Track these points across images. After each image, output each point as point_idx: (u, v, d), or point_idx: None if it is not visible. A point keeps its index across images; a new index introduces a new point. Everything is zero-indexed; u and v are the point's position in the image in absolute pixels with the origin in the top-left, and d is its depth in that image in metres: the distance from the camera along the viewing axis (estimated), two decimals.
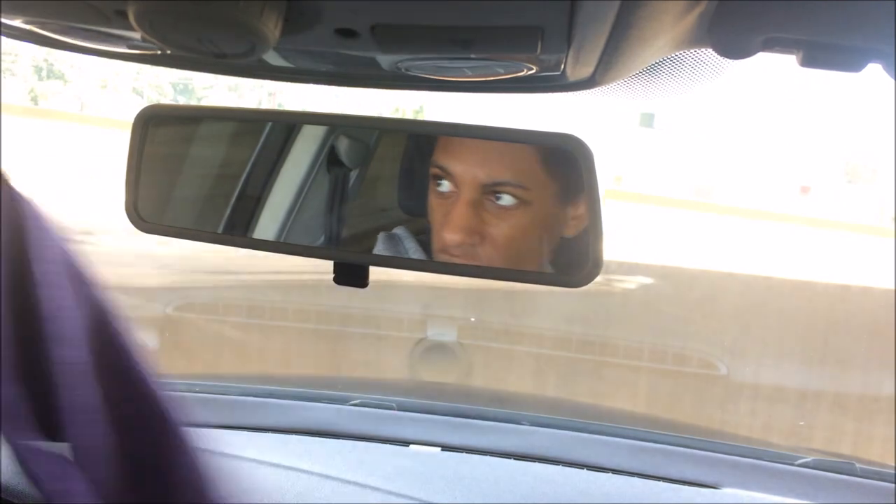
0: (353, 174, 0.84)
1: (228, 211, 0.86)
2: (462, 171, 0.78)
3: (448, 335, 2.99)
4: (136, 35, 0.57)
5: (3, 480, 1.21)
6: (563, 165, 0.77)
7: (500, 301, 3.18)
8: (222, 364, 3.09)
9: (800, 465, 1.60)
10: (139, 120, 0.85)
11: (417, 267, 0.81)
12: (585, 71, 0.66)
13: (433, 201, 0.79)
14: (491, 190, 0.77)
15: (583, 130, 0.79)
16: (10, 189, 0.50)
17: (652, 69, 0.76)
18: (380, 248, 0.81)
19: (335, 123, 0.87)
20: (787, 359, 3.18)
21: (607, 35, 0.56)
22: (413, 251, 0.80)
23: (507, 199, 0.76)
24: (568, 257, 0.77)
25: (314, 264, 0.88)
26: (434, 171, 0.79)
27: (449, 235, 0.78)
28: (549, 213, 0.78)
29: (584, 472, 1.49)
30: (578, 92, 0.73)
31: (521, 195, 0.77)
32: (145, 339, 2.96)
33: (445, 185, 0.78)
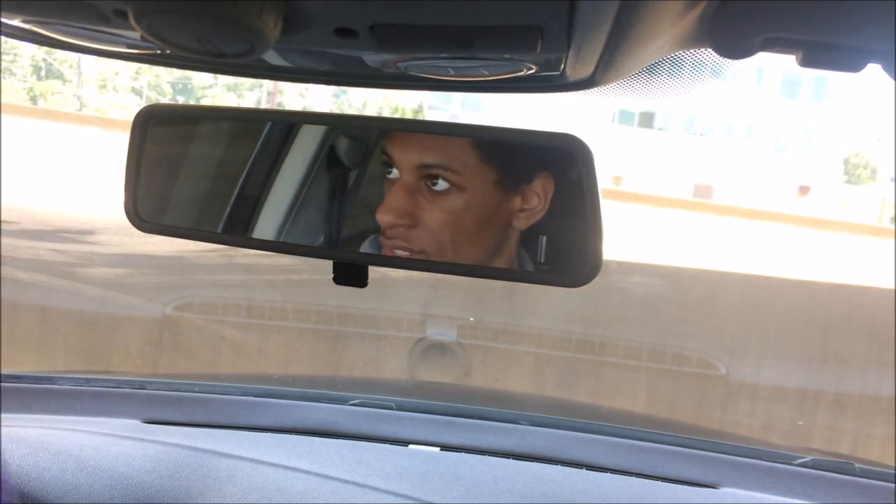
0: (353, 174, 0.84)
1: (228, 211, 0.86)
2: (400, 155, 0.80)
3: (447, 335, 3.00)
4: (136, 35, 0.57)
5: (3, 480, 1.21)
6: (502, 155, 0.79)
7: (499, 300, 3.19)
8: (221, 364, 3.09)
9: (799, 465, 1.60)
10: (138, 120, 0.85)
11: (417, 267, 0.81)
12: (585, 71, 0.66)
13: (385, 189, 0.81)
14: (426, 174, 0.79)
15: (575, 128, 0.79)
16: None
17: (652, 69, 0.76)
18: (366, 249, 0.82)
19: (334, 123, 0.87)
20: (787, 358, 3.19)
21: (607, 35, 0.56)
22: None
23: (441, 184, 0.78)
24: (567, 257, 0.77)
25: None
26: (382, 158, 0.81)
27: (380, 217, 0.80)
28: (487, 202, 0.79)
29: (583, 471, 1.49)
30: (578, 92, 0.73)
31: (454, 179, 0.78)
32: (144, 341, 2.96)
33: (394, 173, 0.81)
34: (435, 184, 0.79)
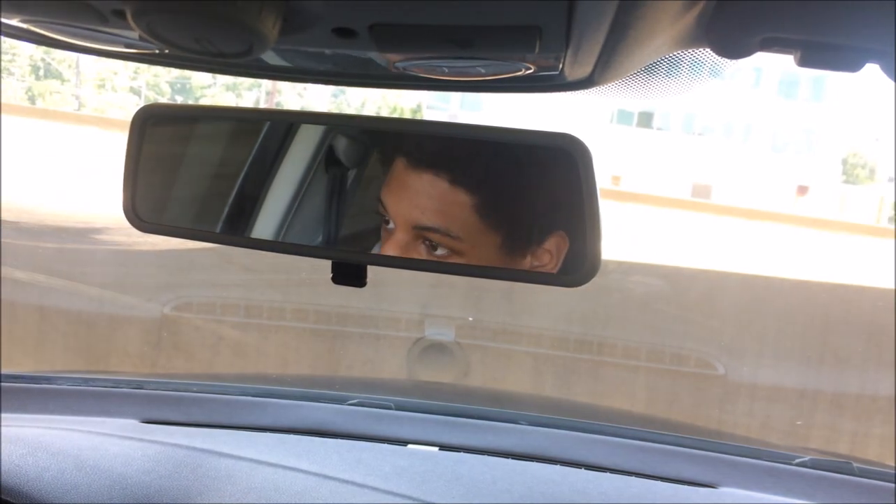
0: (351, 174, 0.84)
1: (227, 210, 0.86)
2: (395, 210, 0.77)
3: (446, 334, 3.00)
4: (135, 34, 0.57)
5: (3, 480, 1.21)
6: (508, 217, 0.75)
7: (498, 301, 3.18)
8: (220, 364, 3.09)
9: (797, 465, 1.60)
10: (137, 120, 0.85)
11: (418, 267, 0.81)
12: (584, 70, 0.66)
13: (382, 237, 0.79)
14: (423, 235, 0.76)
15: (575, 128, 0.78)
16: None
17: (650, 69, 0.76)
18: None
19: (333, 123, 0.87)
20: (785, 358, 3.19)
21: (605, 35, 0.56)
22: None
23: (440, 251, 0.75)
24: (566, 257, 0.77)
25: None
26: (378, 207, 0.78)
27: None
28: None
29: (582, 471, 1.49)
30: (577, 91, 0.73)
31: (453, 245, 0.75)
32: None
33: (391, 224, 0.78)
34: (435, 248, 0.75)
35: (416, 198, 0.77)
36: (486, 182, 0.76)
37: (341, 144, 0.84)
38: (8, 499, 1.19)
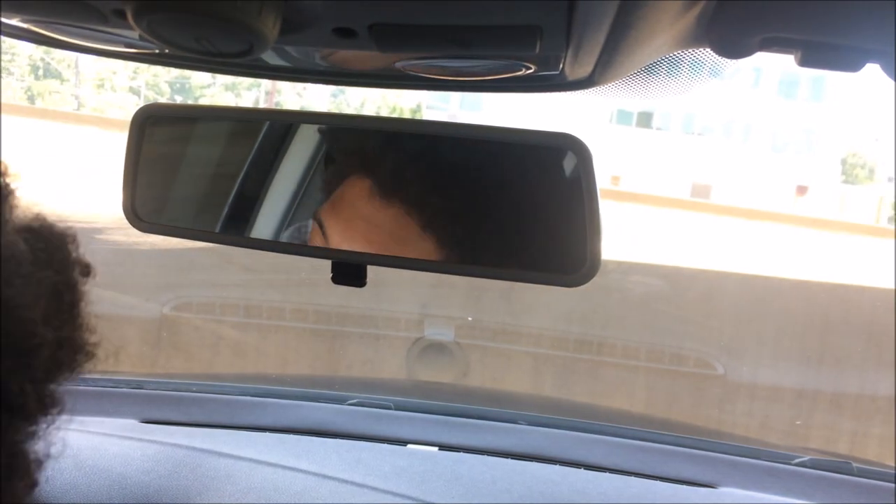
0: None
1: (226, 210, 0.86)
2: (339, 238, 0.74)
3: (445, 334, 3.00)
4: (135, 34, 0.57)
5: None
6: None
7: (497, 301, 3.19)
8: (220, 364, 3.09)
9: (796, 465, 1.60)
10: (136, 120, 0.85)
11: (416, 267, 0.81)
12: (584, 70, 0.66)
13: (311, 237, 0.76)
14: None
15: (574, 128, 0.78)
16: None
17: (650, 68, 0.76)
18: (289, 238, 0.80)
19: (332, 123, 0.87)
20: (784, 358, 3.19)
21: (606, 34, 0.56)
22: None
23: None
24: (566, 256, 0.77)
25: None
26: (314, 224, 0.76)
27: None
28: None
29: (582, 471, 1.49)
30: (577, 91, 0.73)
31: None
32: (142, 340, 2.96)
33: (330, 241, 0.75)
34: None
35: (373, 233, 0.71)
36: (467, 238, 0.71)
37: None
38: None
